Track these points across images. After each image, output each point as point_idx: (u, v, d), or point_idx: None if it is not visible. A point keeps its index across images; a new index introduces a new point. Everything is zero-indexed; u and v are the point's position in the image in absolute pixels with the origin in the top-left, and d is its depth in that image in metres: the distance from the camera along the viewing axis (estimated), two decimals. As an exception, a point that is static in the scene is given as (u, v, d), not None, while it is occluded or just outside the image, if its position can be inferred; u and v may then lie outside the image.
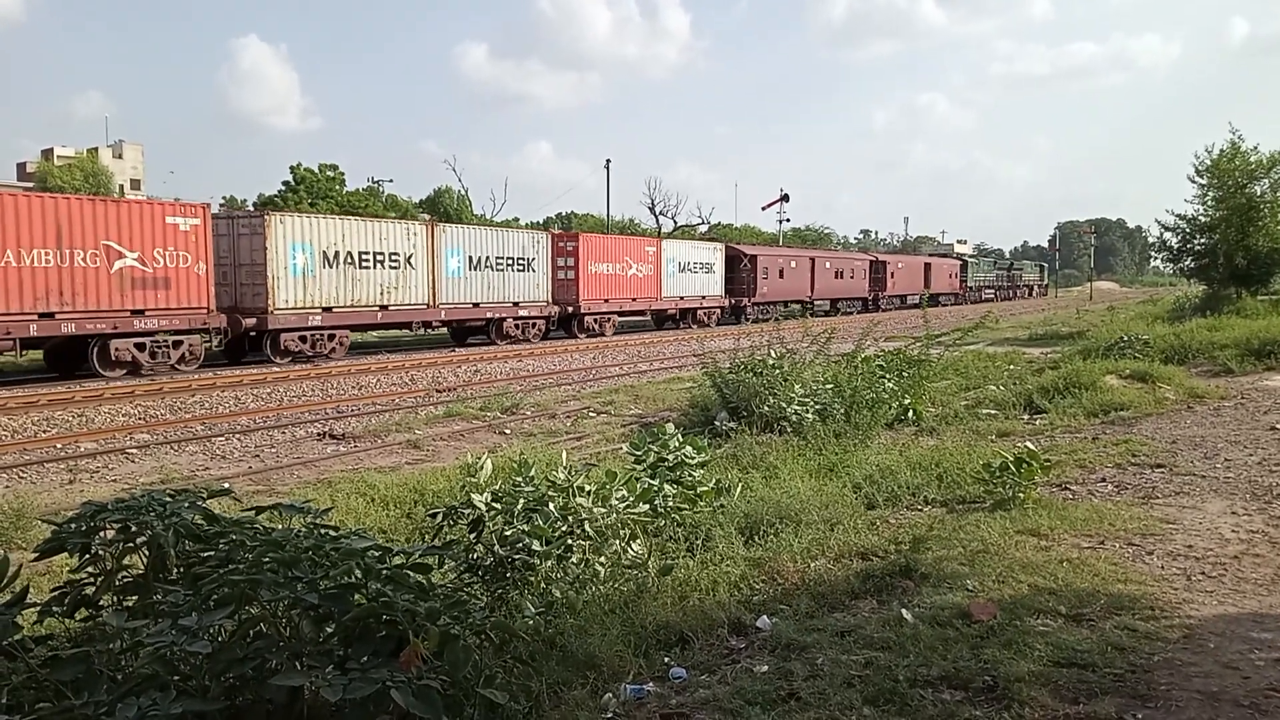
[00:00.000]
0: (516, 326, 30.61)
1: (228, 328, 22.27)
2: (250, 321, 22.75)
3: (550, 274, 32.13)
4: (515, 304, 30.48)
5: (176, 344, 21.19)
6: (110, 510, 3.87)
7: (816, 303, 49.30)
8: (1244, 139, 28.69)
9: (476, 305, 29.06)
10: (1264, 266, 29.06)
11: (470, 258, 28.72)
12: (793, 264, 48.18)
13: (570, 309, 32.93)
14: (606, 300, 34.63)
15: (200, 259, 21.42)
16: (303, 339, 23.85)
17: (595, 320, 34.19)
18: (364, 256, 25.25)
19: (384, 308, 25.89)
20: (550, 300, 32.12)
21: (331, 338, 24.67)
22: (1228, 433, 10.43)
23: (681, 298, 39.28)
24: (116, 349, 20.00)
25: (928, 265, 65.80)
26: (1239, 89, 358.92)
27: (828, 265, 51.97)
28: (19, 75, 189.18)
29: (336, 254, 24.54)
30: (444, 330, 30.83)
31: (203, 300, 21.59)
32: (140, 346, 20.45)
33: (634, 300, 36.33)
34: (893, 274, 58.93)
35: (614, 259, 35.19)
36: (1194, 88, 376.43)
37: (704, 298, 40.81)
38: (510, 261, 30.26)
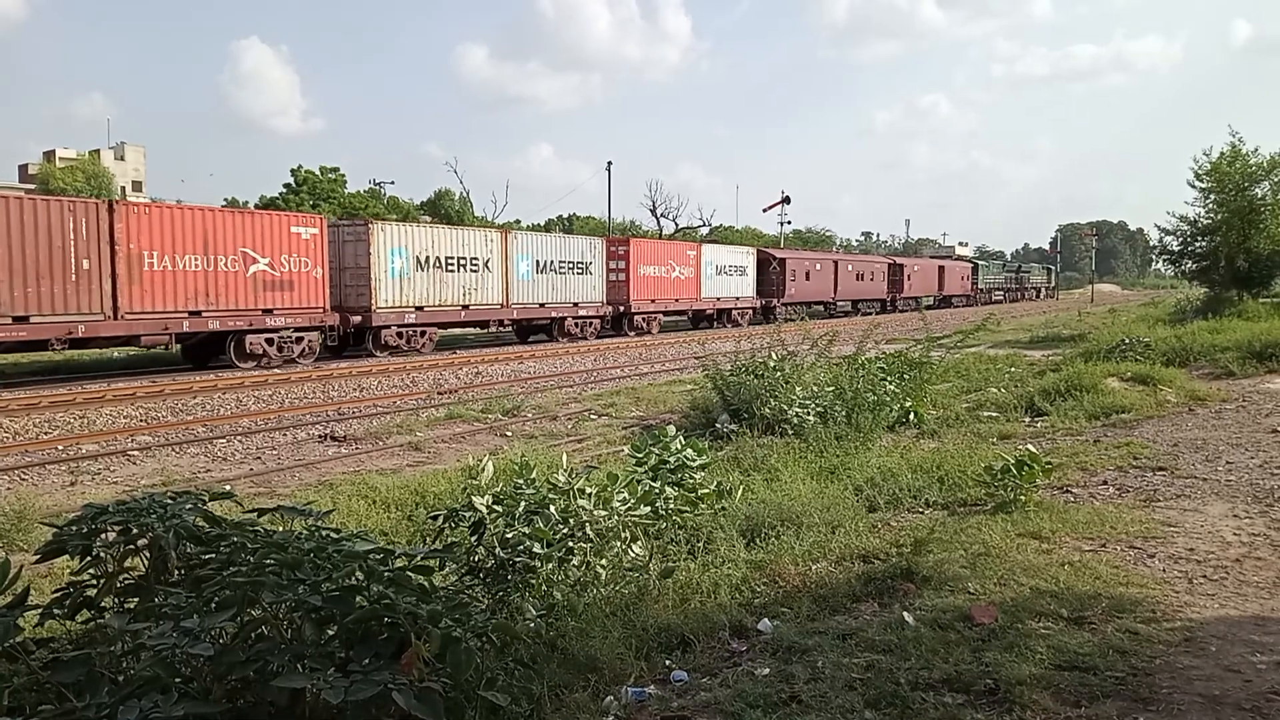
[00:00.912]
0: (576, 325, 32.92)
1: (339, 325, 24.76)
2: (356, 319, 25.24)
3: (604, 276, 34.50)
4: (575, 304, 32.84)
5: (298, 339, 23.63)
6: (111, 512, 3.88)
7: (839, 303, 51.83)
8: (1244, 141, 28.70)
9: (542, 305, 31.57)
10: (1265, 269, 29.01)
11: (537, 262, 31.22)
12: (818, 267, 50.99)
13: (621, 309, 35.26)
14: (653, 301, 37.03)
15: (318, 264, 23.99)
16: (399, 334, 26.32)
17: (643, 319, 36.52)
18: (449, 261, 27.80)
19: (465, 307, 28.48)
20: (604, 301, 34.43)
21: (423, 334, 27.20)
22: (1229, 435, 10.42)
23: (718, 298, 41.67)
24: (251, 343, 22.42)
25: (941, 268, 68.24)
26: (1241, 90, 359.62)
27: (850, 268, 54.61)
28: (21, 76, 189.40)
29: (428, 259, 27.06)
30: (508, 329, 32.60)
31: (320, 300, 24.11)
32: (270, 341, 22.89)
33: (677, 301, 38.84)
34: (909, 276, 61.03)
35: (660, 262, 37.68)
36: (1196, 89, 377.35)
37: (738, 299, 43.25)
38: (571, 265, 32.69)
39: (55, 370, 22.19)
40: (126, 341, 21.41)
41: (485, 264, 28.92)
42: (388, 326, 25.79)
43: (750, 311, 43.68)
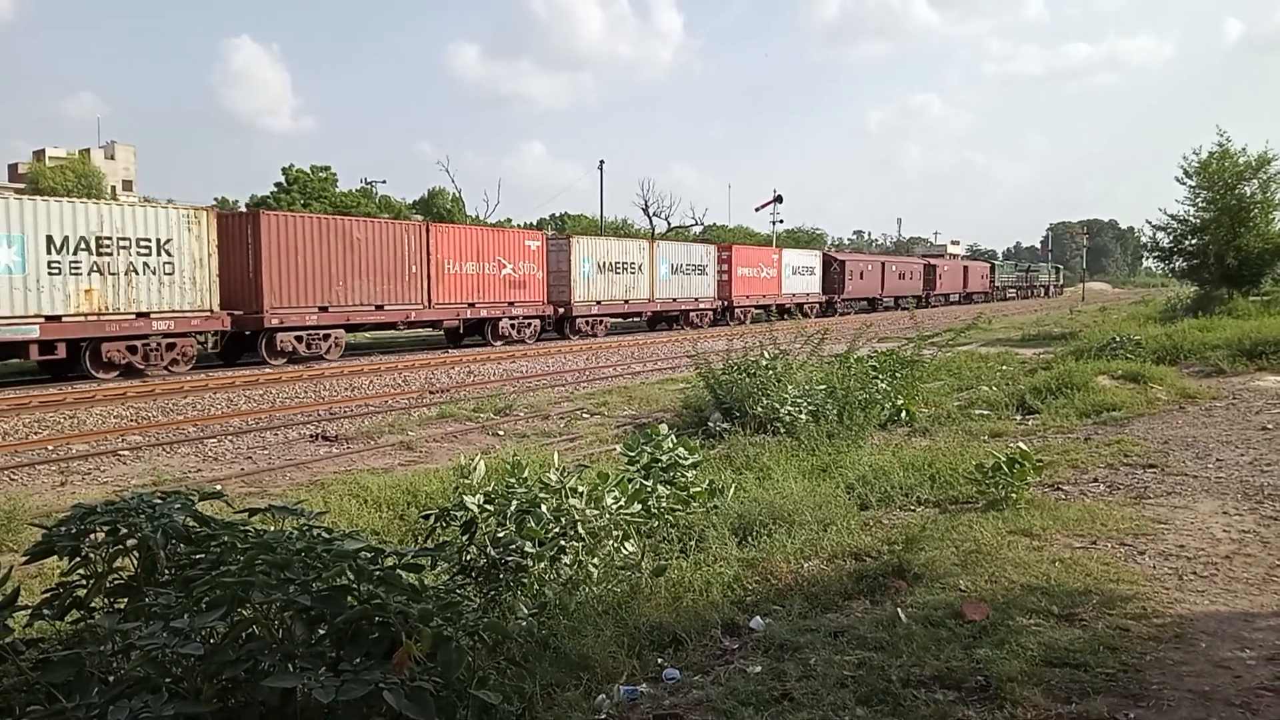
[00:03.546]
0: (697, 316, 40.87)
1: (553, 314, 32.57)
2: (560, 310, 33.02)
3: (716, 277, 42.44)
4: (695, 299, 41.07)
5: (528, 324, 31.57)
6: (100, 513, 3.85)
7: (885, 299, 59.36)
8: (1231, 140, 28.83)
9: (674, 300, 39.71)
10: (1254, 267, 29.11)
11: (672, 265, 39.20)
12: (869, 267, 59.34)
13: (725, 303, 42.89)
14: (748, 296, 44.64)
15: (540, 268, 32.07)
16: (586, 323, 34.11)
17: (741, 312, 44.06)
18: (617, 265, 35.65)
19: (626, 301, 36.51)
20: (716, 296, 42.35)
21: (600, 322, 35.13)
22: (1219, 433, 10.46)
23: (794, 294, 48.88)
24: (501, 327, 30.36)
25: (966, 268, 77.59)
26: (1232, 89, 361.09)
27: (893, 268, 62.91)
28: (9, 75, 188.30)
29: (604, 264, 34.86)
30: (636, 318, 40.46)
31: (541, 296, 32.19)
32: (512, 326, 30.86)
33: (764, 296, 46.07)
34: (941, 275, 69.71)
35: (752, 264, 45.67)
36: (1188, 88, 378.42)
37: (808, 294, 50.93)
38: (694, 267, 40.89)
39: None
40: (434, 324, 29.30)
41: (639, 267, 36.81)
42: (580, 316, 33.61)
43: (818, 305, 51.11)
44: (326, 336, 24.76)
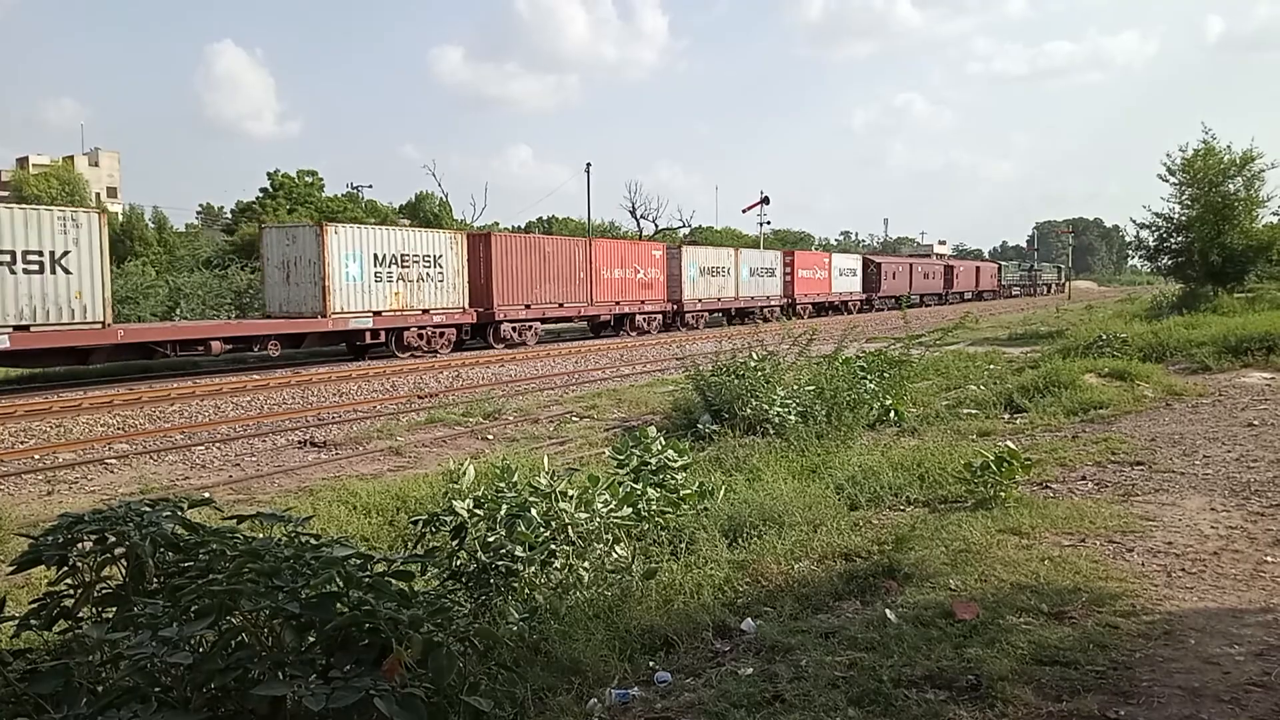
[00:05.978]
0: (768, 311, 45.89)
1: (671, 311, 39.95)
2: (675, 307, 40.21)
3: (782, 278, 49.41)
4: (767, 297, 47.81)
5: (652, 319, 38.57)
6: (87, 521, 3.83)
7: (912, 296, 62.36)
8: (1216, 139, 29.02)
9: (752, 298, 46.33)
10: (1239, 264, 29.28)
11: (750, 268, 46.27)
12: (900, 269, 67.18)
13: (789, 301, 49.19)
14: (806, 295, 51.22)
15: (662, 272, 39.46)
16: (694, 317, 41.48)
17: (801, 308, 49.65)
18: (713, 269, 43.11)
19: (719, 299, 43.75)
20: (782, 295, 49.04)
21: (701, 317, 42.33)
22: (1206, 430, 10.51)
23: (840, 293, 56.62)
24: (636, 321, 37.51)
25: (978, 269, 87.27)
26: (1215, 86, 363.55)
27: (920, 269, 71.08)
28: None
29: (705, 268, 42.31)
30: (722, 314, 45.95)
31: (664, 295, 39.58)
32: (644, 320, 37.98)
33: (818, 295, 53.22)
34: (957, 275, 78.31)
35: (810, 267, 52.79)
36: (1171, 85, 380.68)
37: (851, 293, 58.26)
38: (766, 270, 48.16)
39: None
40: (591, 319, 36.14)
41: (728, 271, 44.10)
42: (689, 311, 40.93)
43: (859, 303, 58.27)
44: (530, 327, 32.02)
